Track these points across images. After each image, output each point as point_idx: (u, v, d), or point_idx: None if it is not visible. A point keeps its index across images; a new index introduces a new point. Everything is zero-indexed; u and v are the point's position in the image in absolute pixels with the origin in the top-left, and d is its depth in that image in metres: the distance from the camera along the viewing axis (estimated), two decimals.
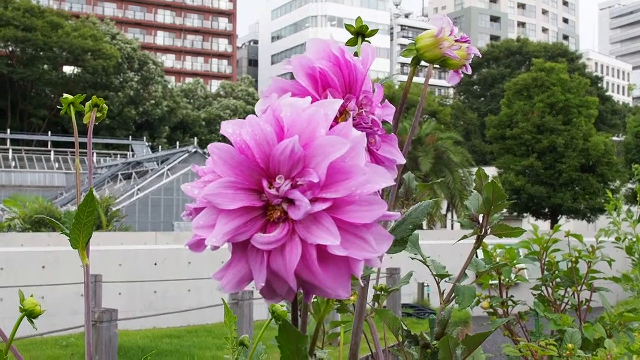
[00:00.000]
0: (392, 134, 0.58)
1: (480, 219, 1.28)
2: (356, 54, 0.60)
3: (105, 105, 1.02)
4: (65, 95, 0.98)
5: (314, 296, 0.50)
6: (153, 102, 39.22)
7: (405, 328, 1.14)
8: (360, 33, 0.67)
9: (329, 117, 0.43)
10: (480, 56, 0.75)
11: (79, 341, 6.52)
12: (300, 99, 0.45)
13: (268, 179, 0.43)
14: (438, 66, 0.73)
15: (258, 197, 0.43)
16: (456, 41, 0.69)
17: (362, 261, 0.42)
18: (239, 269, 0.44)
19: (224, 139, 0.45)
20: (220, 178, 0.43)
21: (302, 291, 0.46)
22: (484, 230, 1.27)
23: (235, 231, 0.42)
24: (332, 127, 0.43)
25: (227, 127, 0.44)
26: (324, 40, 0.54)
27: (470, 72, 0.73)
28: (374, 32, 0.67)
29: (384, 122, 0.57)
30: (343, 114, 0.53)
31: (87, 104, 1.01)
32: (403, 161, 0.56)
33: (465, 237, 1.27)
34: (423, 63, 0.70)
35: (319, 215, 0.42)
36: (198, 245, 0.45)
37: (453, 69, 0.72)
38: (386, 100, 0.58)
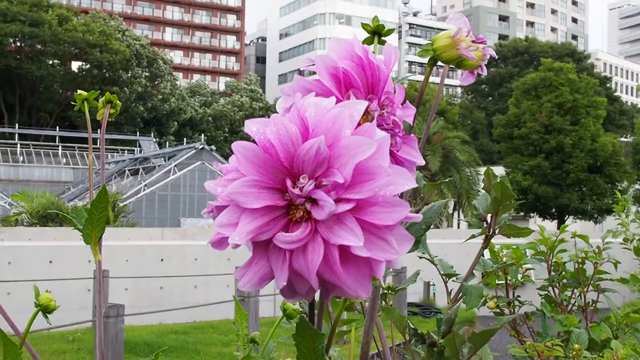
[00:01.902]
0: (411, 134, 0.57)
1: (489, 219, 1.28)
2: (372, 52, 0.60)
3: (118, 102, 1.02)
4: (79, 91, 0.98)
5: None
6: (161, 97, 39.24)
7: (412, 326, 1.15)
8: (377, 32, 0.67)
9: (354, 118, 0.43)
10: (496, 57, 0.75)
11: (85, 336, 6.54)
12: (324, 98, 0.45)
13: (292, 178, 0.43)
14: (453, 66, 0.73)
15: (281, 196, 0.43)
16: (472, 42, 0.69)
17: (383, 262, 0.42)
18: (260, 267, 0.44)
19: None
20: (244, 176, 0.43)
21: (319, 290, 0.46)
22: (492, 229, 1.27)
23: (258, 230, 0.42)
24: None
25: (251, 125, 0.44)
26: (347, 40, 0.53)
27: (485, 72, 0.73)
28: (391, 30, 0.67)
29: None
30: (365, 114, 0.52)
31: (101, 100, 1.01)
32: (422, 162, 0.56)
33: (473, 236, 1.26)
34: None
35: (343, 216, 0.42)
36: (220, 243, 0.45)
37: (469, 69, 0.71)
38: (407, 101, 0.57)
